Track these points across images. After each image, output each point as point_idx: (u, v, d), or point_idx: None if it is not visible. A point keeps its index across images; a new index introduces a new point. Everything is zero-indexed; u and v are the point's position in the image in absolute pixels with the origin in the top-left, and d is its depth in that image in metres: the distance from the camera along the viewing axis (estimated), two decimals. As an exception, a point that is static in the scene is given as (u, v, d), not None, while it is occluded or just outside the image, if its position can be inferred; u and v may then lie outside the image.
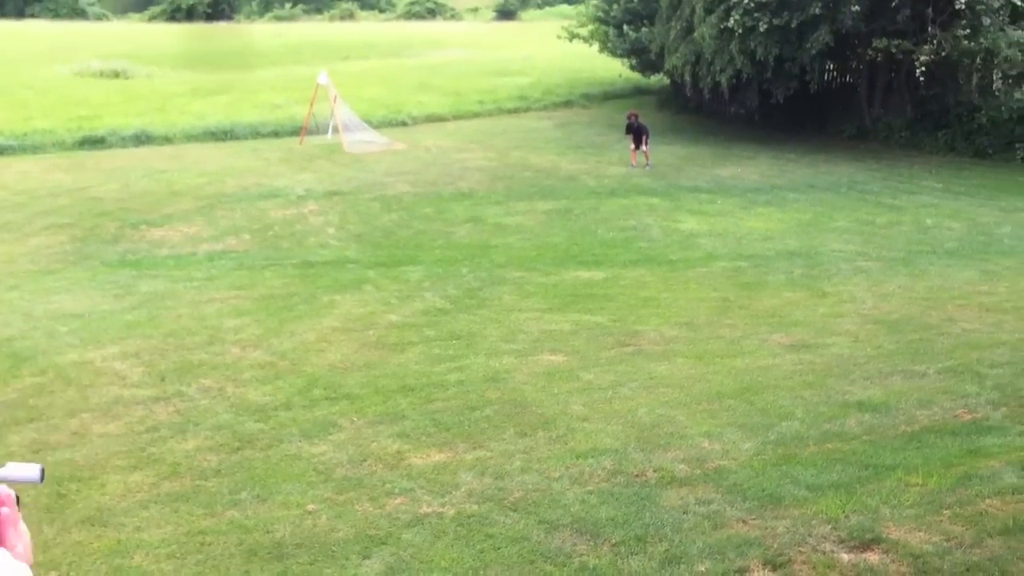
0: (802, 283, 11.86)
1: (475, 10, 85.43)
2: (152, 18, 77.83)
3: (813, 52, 23.18)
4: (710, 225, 15.38)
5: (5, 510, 0.94)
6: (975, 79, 23.28)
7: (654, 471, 6.42)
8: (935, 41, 22.18)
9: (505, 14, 79.90)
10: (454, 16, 78.62)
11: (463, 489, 6.20)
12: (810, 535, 5.45)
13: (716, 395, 7.92)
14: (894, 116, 25.05)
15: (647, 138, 21.12)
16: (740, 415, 7.46)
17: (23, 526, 1.08)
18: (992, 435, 6.99)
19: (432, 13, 78.13)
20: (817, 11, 22.39)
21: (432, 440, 7.05)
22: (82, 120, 24.51)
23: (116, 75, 35.18)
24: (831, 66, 27.16)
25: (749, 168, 21.13)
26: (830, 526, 5.56)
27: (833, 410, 7.53)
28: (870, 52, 23.63)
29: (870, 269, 12.56)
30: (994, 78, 23.78)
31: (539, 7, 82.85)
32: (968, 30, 21.82)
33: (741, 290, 11.56)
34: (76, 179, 18.80)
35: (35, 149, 21.82)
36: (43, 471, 0.83)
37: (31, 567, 1.09)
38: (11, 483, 0.82)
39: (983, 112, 23.26)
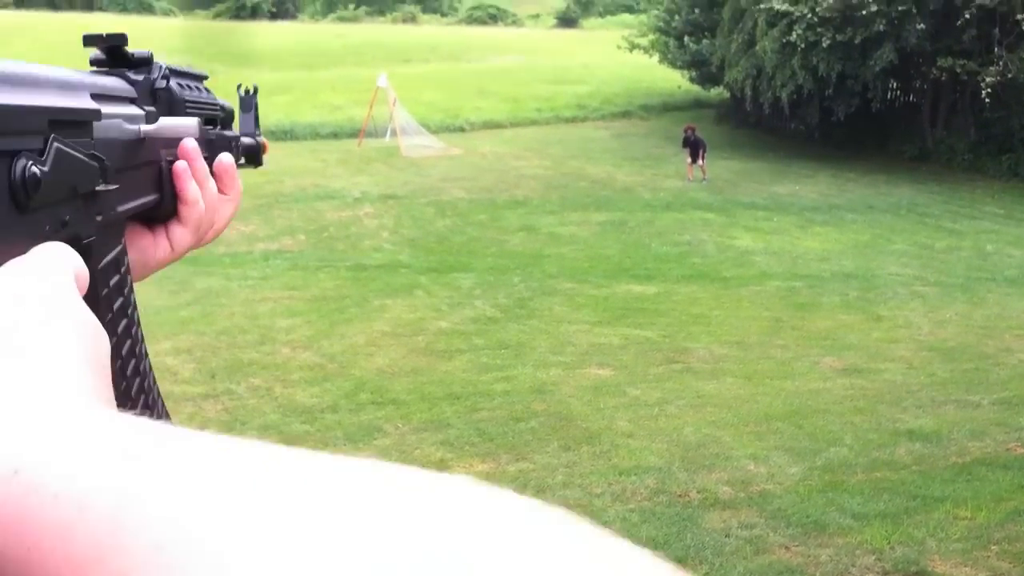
0: (857, 306, 11.71)
1: (536, 16, 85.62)
2: (217, 15, 78.87)
3: (876, 69, 22.98)
4: (765, 243, 15.25)
5: (182, 162, 0.90)
6: (1042, 103, 22.90)
7: (697, 492, 6.37)
8: (1001, 63, 21.87)
9: (566, 21, 79.93)
10: (515, 22, 78.83)
11: (505, 502, 6.19)
12: (854, 565, 5.38)
13: (764, 417, 7.85)
14: (957, 138, 24.69)
15: (704, 152, 21.02)
16: (788, 438, 7.38)
17: (213, 187, 0.96)
18: (1047, 470, 6.85)
19: (494, 18, 78.42)
20: (881, 28, 22.19)
21: (476, 450, 7.05)
22: (144, 117, 24.86)
23: (180, 71, 35.65)
24: (894, 84, 26.90)
25: (807, 186, 20.92)
26: (874, 556, 5.48)
27: (883, 437, 7.42)
28: (934, 71, 23.37)
29: (927, 294, 12.38)
30: (1062, 102, 23.39)
31: (600, 15, 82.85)
32: (1036, 53, 21.47)
33: (794, 310, 11.44)
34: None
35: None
36: (199, 124, 0.84)
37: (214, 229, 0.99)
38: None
39: (1049, 137, 22.88)
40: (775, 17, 23.82)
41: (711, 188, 20.13)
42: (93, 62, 0.85)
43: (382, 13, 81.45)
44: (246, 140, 1.23)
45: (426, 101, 28.54)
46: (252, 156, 1.26)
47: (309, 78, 34.83)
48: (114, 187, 0.68)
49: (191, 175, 0.90)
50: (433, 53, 46.04)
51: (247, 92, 1.29)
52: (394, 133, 23.31)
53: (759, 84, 25.15)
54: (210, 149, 0.98)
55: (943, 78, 23.80)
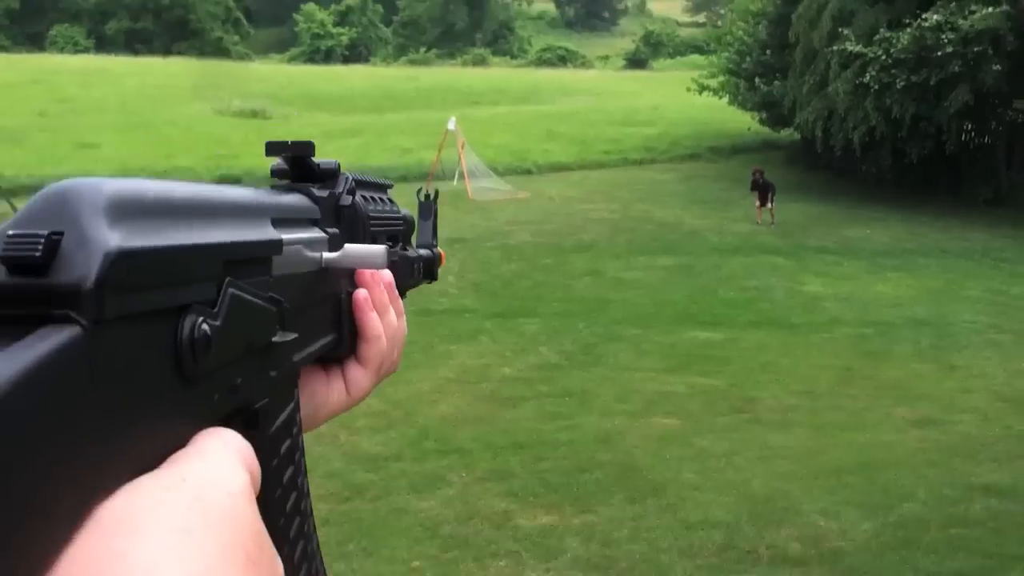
0: (930, 354, 11.46)
1: (606, 58, 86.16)
2: (292, 59, 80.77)
3: (951, 111, 22.67)
4: (835, 288, 15.03)
5: (363, 292, 0.81)
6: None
7: (766, 548, 6.24)
8: (1080, 104, 21.44)
9: (635, 63, 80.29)
10: (584, 64, 79.32)
11: (569, 555, 6.13)
12: (928, 630, 5.22)
13: (835, 470, 7.68)
14: (1034, 181, 24.22)
15: (773, 195, 20.87)
16: (859, 493, 7.21)
17: (394, 317, 0.87)
18: None
19: (563, 60, 79.02)
20: (957, 69, 21.93)
21: (540, 501, 6.99)
22: (220, 159, 25.40)
23: (255, 115, 36.41)
24: (969, 126, 26.46)
25: (879, 230, 20.63)
26: (949, 621, 5.31)
27: (958, 492, 7.22)
28: (1010, 113, 22.98)
29: (1002, 343, 12.07)
30: None
31: (670, 56, 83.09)
32: (1115, 93, 21.02)
33: (865, 359, 11.23)
34: (211, 217, 19.42)
35: (175, 186, 22.63)
36: (387, 254, 0.74)
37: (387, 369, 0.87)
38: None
39: None
40: (848, 58, 23.66)
41: (780, 232, 19.94)
42: (275, 172, 0.79)
43: (452, 56, 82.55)
44: (423, 252, 1.14)
45: (495, 144, 28.74)
46: (428, 270, 1.17)
47: (380, 121, 35.31)
48: (292, 336, 0.61)
49: (372, 307, 0.83)
50: (502, 96, 46.44)
51: (427, 197, 1.22)
52: (462, 176, 23.48)
53: (831, 126, 24.96)
54: (391, 273, 0.91)
55: (1020, 120, 23.40)
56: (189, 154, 25.82)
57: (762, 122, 31.31)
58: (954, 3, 22.48)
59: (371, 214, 0.86)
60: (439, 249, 1.20)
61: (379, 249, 0.73)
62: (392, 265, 0.91)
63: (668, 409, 9.22)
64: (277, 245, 0.60)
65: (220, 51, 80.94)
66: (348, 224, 0.81)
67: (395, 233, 0.98)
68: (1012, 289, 15.36)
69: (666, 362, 10.91)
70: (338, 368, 0.83)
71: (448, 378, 10.06)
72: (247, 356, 0.54)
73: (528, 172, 26.82)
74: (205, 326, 0.46)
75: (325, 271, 0.71)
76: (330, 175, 0.80)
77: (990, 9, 21.58)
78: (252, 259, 0.56)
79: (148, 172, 23.02)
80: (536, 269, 15.83)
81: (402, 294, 0.97)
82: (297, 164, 0.78)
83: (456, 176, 23.91)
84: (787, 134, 31.36)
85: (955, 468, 7.75)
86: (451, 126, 23.36)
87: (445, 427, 8.57)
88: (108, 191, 0.43)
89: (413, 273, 1.06)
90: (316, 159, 0.79)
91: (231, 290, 0.51)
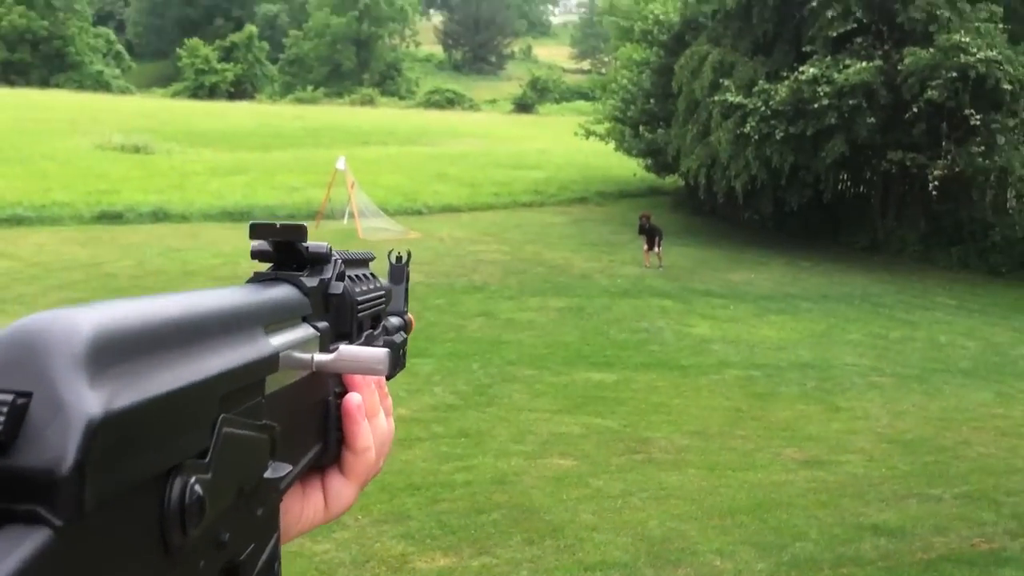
0: (815, 396, 11.75)
1: (493, 101, 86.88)
2: (175, 94, 79.35)
3: (828, 161, 23.44)
4: (723, 331, 15.32)
5: (356, 398, 0.70)
6: (989, 196, 23.47)
7: (664, 589, 6.27)
8: (949, 156, 22.43)
9: (523, 107, 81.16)
10: (472, 107, 79.85)
11: (468, 598, 6.05)
12: (826, 668, 5.28)
13: (728, 510, 7.78)
14: (907, 229, 25.17)
15: (660, 239, 21.23)
16: (753, 533, 7.30)
17: (383, 420, 0.77)
18: (1010, 567, 6.82)
19: (451, 103, 79.40)
20: (833, 121, 22.71)
21: (437, 543, 6.90)
22: (101, 194, 24.72)
23: (137, 150, 35.62)
24: (845, 176, 27.41)
25: (762, 274, 21.15)
26: (846, 659, 5.39)
27: (848, 532, 7.37)
28: (884, 164, 23.86)
29: (884, 385, 12.45)
30: (1008, 196, 24.01)
31: (556, 102, 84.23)
32: (983, 147, 22.03)
33: (754, 400, 11.45)
34: (92, 254, 18.87)
35: (53, 221, 21.96)
36: (392, 359, 0.65)
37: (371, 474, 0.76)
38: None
39: (997, 230, 23.40)
40: (729, 109, 24.31)
41: (667, 275, 20.28)
42: (256, 255, 0.68)
43: (340, 95, 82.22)
44: (395, 320, 1.04)
45: (385, 184, 28.65)
46: None
47: (266, 159, 34.88)
48: (286, 470, 0.53)
49: (364, 414, 0.72)
50: (391, 136, 46.40)
51: (399, 260, 1.12)
52: (352, 215, 23.31)
53: (713, 173, 25.54)
54: None
55: (893, 170, 24.32)
56: (68, 189, 25.06)
57: (647, 168, 31.90)
58: (829, 57, 23.33)
59: (358, 298, 0.78)
60: (409, 315, 1.12)
61: (381, 354, 0.64)
62: None
63: (564, 449, 9.23)
64: (274, 362, 0.52)
65: (100, 84, 79.18)
66: (336, 313, 0.73)
67: (379, 313, 0.90)
68: (891, 333, 15.88)
69: (561, 403, 10.94)
70: (317, 479, 0.73)
71: (341, 419, 9.88)
72: (236, 503, 0.46)
73: (419, 213, 26.79)
74: (198, 487, 0.38)
75: (315, 374, 0.63)
76: (320, 260, 0.71)
77: (863, 64, 22.45)
78: (247, 385, 0.47)
79: (25, 206, 22.27)
80: (428, 309, 15.75)
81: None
82: (286, 249, 0.68)
83: (346, 215, 23.72)
84: (672, 180, 32.03)
85: (844, 508, 7.92)
86: (340, 165, 23.19)
87: (339, 469, 8.40)
88: (87, 332, 0.34)
89: (399, 360, 0.97)
90: (305, 243, 0.70)
91: (225, 430, 0.42)
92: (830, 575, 6.58)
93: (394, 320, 1.04)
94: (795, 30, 25.04)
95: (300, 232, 0.67)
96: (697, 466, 8.92)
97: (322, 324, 0.67)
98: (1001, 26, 22.27)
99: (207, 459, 0.40)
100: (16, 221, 21.55)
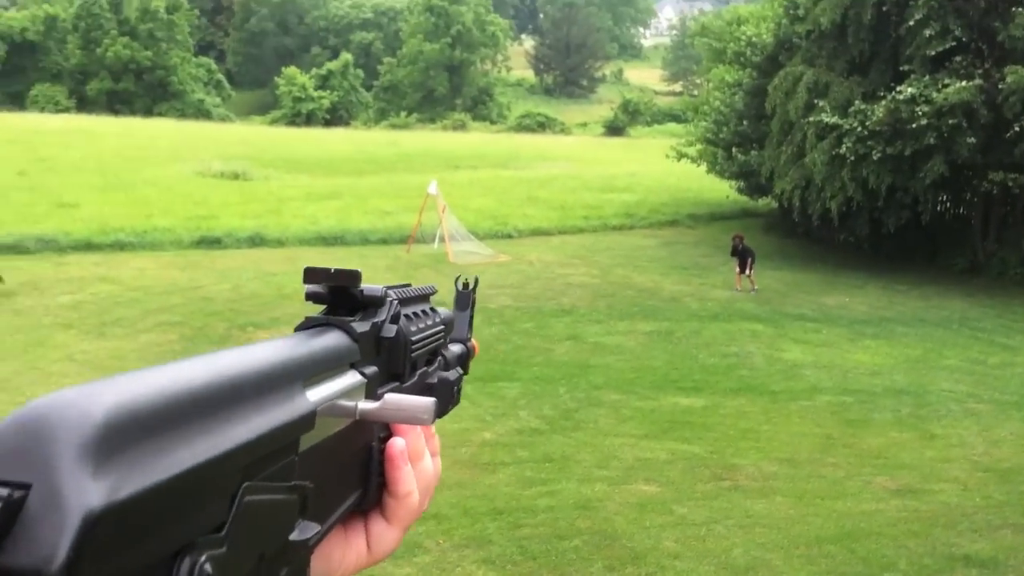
0: (909, 423, 11.46)
1: (584, 125, 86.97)
2: (273, 121, 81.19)
3: (927, 182, 22.92)
4: (815, 356, 15.05)
5: (400, 444, 0.70)
6: (1092, 216, 22.68)
7: (747, 619, 6.17)
8: (1053, 177, 21.73)
9: (614, 130, 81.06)
10: (563, 130, 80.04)
11: (548, 625, 6.03)
12: None
13: (815, 539, 7.63)
14: (1010, 251, 24.44)
15: (753, 261, 20.97)
16: (840, 563, 7.15)
17: (429, 463, 0.76)
18: (1113, 603, 6.57)
19: (542, 127, 79.72)
20: (932, 141, 22.20)
21: (518, 569, 6.90)
22: (200, 220, 25.36)
23: (236, 176, 36.44)
24: (944, 197, 26.77)
25: (857, 298, 20.74)
26: None
27: (939, 563, 7.17)
28: (986, 184, 23.25)
29: (981, 412, 12.09)
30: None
31: (647, 124, 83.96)
32: (1086, 167, 21.34)
33: (845, 427, 11.21)
34: (190, 278, 19.36)
35: (153, 246, 22.59)
36: (440, 406, 0.65)
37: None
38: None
39: (1102, 251, 22.57)
40: (824, 130, 23.94)
41: (759, 299, 20.02)
42: (310, 296, 0.67)
43: (432, 121, 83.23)
44: (456, 348, 1.01)
45: (475, 208, 28.85)
46: (461, 366, 1.04)
47: (360, 184, 35.41)
48: (314, 531, 0.50)
49: (407, 459, 0.71)
50: (482, 160, 46.73)
51: (465, 287, 1.10)
52: (443, 239, 23.52)
53: (808, 195, 25.16)
54: None
55: (994, 191, 23.68)
56: (168, 215, 25.77)
57: (740, 191, 31.57)
58: (927, 76, 22.85)
59: (413, 337, 0.76)
60: (473, 341, 1.09)
61: (426, 403, 0.62)
62: (430, 388, 0.83)
63: (648, 475, 9.16)
64: (309, 420, 0.49)
65: (201, 113, 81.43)
66: (387, 355, 0.71)
67: (436, 348, 0.87)
68: (990, 359, 15.42)
69: (646, 428, 10.86)
70: (360, 522, 0.71)
71: (426, 442, 9.94)
72: (256, 569, 0.43)
73: (508, 236, 26.90)
74: (208, 566, 0.36)
75: (359, 422, 0.61)
76: (375, 303, 0.69)
77: (963, 83, 21.93)
78: (277, 448, 0.45)
79: (128, 232, 22.96)
80: (516, 333, 15.79)
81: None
82: (339, 294, 0.67)
83: (437, 239, 23.94)
84: (765, 203, 31.63)
85: (936, 538, 7.71)
86: (432, 190, 23.43)
87: (423, 492, 8.45)
88: (98, 417, 0.33)
89: (453, 396, 0.93)
90: (361, 286, 0.68)
91: (247, 499, 0.40)
92: (920, 608, 6.40)
93: (455, 348, 1.02)
94: (892, 49, 24.56)
95: (354, 278, 0.66)
96: (785, 494, 8.77)
97: (371, 370, 0.65)
98: (1105, 42, 21.57)
99: (223, 532, 0.38)
100: (119, 246, 22.21)
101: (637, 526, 7.82)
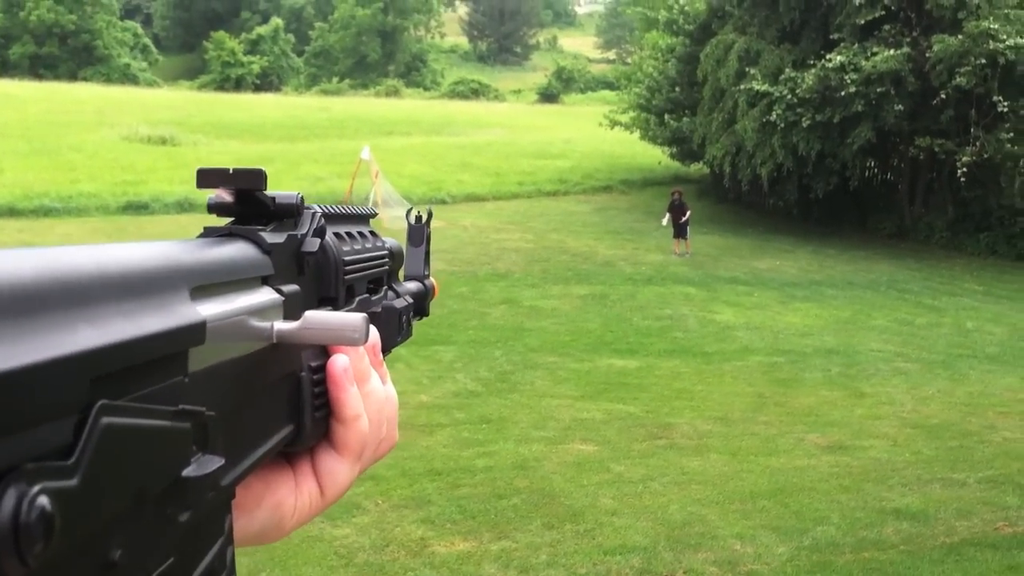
0: (839, 382, 11.67)
1: (518, 92, 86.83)
2: (202, 87, 79.70)
3: (855, 148, 23.27)
4: (747, 318, 15.25)
5: (342, 361, 0.63)
6: (1018, 182, 23.21)
7: (684, 572, 6.25)
8: (978, 143, 22.19)
9: (548, 97, 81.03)
10: (497, 97, 79.81)
11: (487, 581, 6.05)
12: (845, 650, 5.25)
13: (750, 495, 7.74)
14: (935, 216, 24.96)
15: (687, 220, 21.12)
16: (774, 517, 7.27)
17: (378, 386, 0.70)
18: (1035, 551, 6.76)
19: (476, 93, 79.36)
20: (860, 108, 22.53)
21: (457, 528, 6.91)
22: (127, 185, 24.87)
23: (163, 141, 35.76)
24: (872, 163, 27.23)
25: (787, 261, 21.04)
26: (866, 641, 5.35)
27: (870, 516, 7.32)
28: (912, 150, 23.68)
29: (909, 371, 12.35)
30: (1038, 182, 23.72)
31: (581, 92, 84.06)
32: (1012, 134, 21.82)
33: (777, 386, 11.38)
34: (117, 243, 18.97)
35: (79, 212, 22.12)
36: (367, 325, 0.55)
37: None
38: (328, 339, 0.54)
39: (1026, 216, 23.14)
40: (755, 97, 24.17)
41: (692, 263, 20.21)
42: (212, 208, 0.60)
43: (365, 87, 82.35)
44: (411, 286, 0.96)
45: (409, 174, 28.68)
46: (419, 307, 0.97)
47: (292, 150, 34.98)
48: (215, 465, 0.43)
49: (352, 379, 0.64)
50: (416, 127, 46.41)
51: (418, 220, 1.03)
52: (376, 204, 23.34)
53: (739, 161, 25.42)
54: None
55: (921, 157, 24.16)
56: (94, 180, 25.22)
57: (672, 156, 31.79)
58: (857, 45, 23.14)
59: (346, 257, 0.70)
60: (432, 279, 1.03)
61: (355, 320, 0.55)
62: (374, 318, 0.76)
63: (585, 435, 9.22)
64: (197, 331, 0.42)
65: (127, 77, 79.54)
66: (315, 275, 0.65)
67: (379, 275, 0.82)
68: (917, 319, 15.75)
69: (583, 389, 10.92)
70: (307, 461, 0.65)
71: (363, 405, 9.90)
72: (133, 512, 0.37)
73: (443, 202, 26.79)
74: (43, 499, 0.29)
75: (276, 348, 0.54)
76: (289, 212, 0.61)
77: (891, 52, 22.26)
78: (151, 362, 0.38)
79: (52, 197, 22.44)
80: (451, 297, 15.76)
81: (386, 353, 0.80)
82: (247, 200, 0.59)
83: (370, 204, 23.74)
84: (697, 168, 31.90)
85: (867, 492, 7.86)
86: (365, 155, 23.23)
87: (360, 454, 8.42)
88: None
89: (401, 327, 0.86)
90: (271, 192, 0.60)
91: (105, 420, 0.33)
92: (851, 559, 6.53)
93: (411, 285, 0.96)
94: (822, 18, 24.84)
95: (257, 177, 0.58)
96: (719, 451, 8.89)
97: (290, 288, 0.59)
98: (1031, 12, 22.00)
99: (71, 459, 0.32)
100: (43, 212, 21.73)
101: (575, 484, 7.87)
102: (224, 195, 0.59)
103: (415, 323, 0.98)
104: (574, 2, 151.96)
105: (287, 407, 0.59)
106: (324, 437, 0.65)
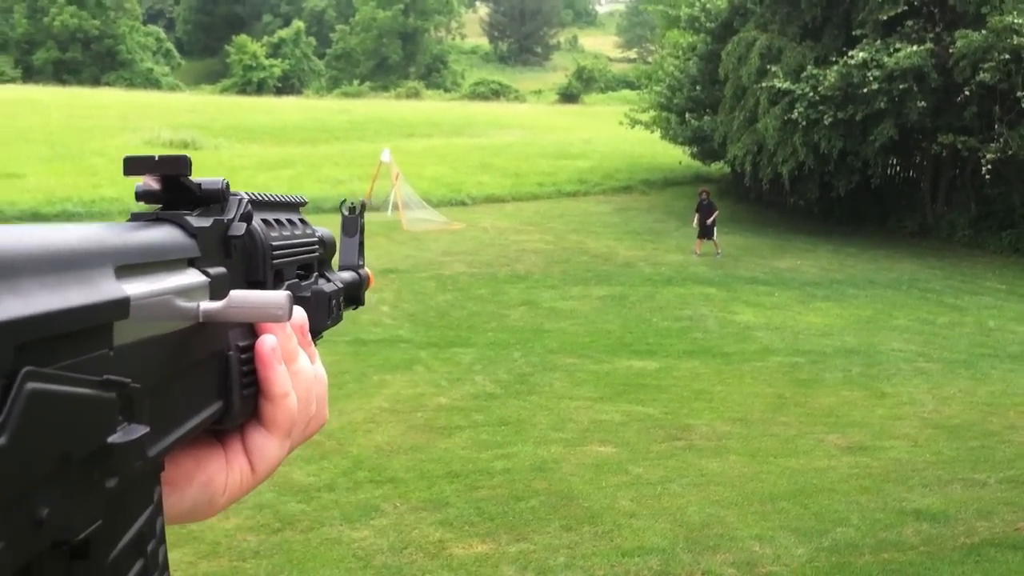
0: (860, 382, 11.61)
1: (538, 92, 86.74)
2: (224, 90, 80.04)
3: (877, 145, 23.14)
4: (767, 318, 15.19)
5: (270, 340, 0.66)
6: (1042, 179, 23.04)
7: (702, 574, 6.24)
8: (1002, 139, 22.01)
9: (568, 97, 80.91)
10: (517, 98, 79.79)
11: (504, 584, 6.06)
12: (863, 653, 5.23)
13: (769, 496, 7.72)
14: (958, 214, 24.78)
15: (715, 221, 21.08)
16: (793, 518, 7.24)
17: (307, 365, 0.72)
18: (1056, 552, 6.71)
19: (496, 94, 79.40)
20: (882, 105, 22.39)
21: (475, 530, 6.92)
22: (149, 189, 24.99)
23: (185, 145, 35.96)
24: (894, 160, 27.09)
25: (808, 261, 20.94)
26: (884, 644, 5.33)
27: (890, 517, 7.29)
28: (935, 147, 23.51)
29: (930, 371, 12.27)
30: (1062, 179, 23.53)
31: (602, 91, 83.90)
32: (1035, 130, 21.62)
33: (797, 387, 11.33)
34: (139, 246, 19.11)
35: (102, 217, 22.28)
36: (291, 303, 0.58)
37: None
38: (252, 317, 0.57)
39: (1049, 213, 22.94)
40: (777, 95, 24.06)
41: (712, 263, 20.15)
42: (140, 195, 0.62)
43: (386, 89, 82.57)
44: (345, 275, 0.99)
45: (429, 176, 28.74)
46: (352, 296, 1.00)
47: (312, 153, 35.11)
48: (141, 431, 0.45)
49: (279, 357, 0.66)
50: (436, 128, 46.49)
51: (352, 211, 1.06)
52: (396, 207, 23.41)
53: (760, 160, 25.32)
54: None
55: (943, 154, 23.98)
56: (116, 185, 25.36)
57: (693, 156, 31.72)
58: (879, 41, 23.01)
59: (274, 243, 0.72)
60: (366, 269, 1.06)
61: (279, 297, 0.58)
62: (303, 302, 0.79)
63: (604, 437, 9.21)
64: (120, 306, 0.44)
65: (150, 82, 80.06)
66: (242, 259, 0.67)
67: (309, 261, 0.84)
68: (938, 319, 15.64)
69: (601, 391, 10.91)
70: (237, 440, 0.67)
71: (382, 407, 9.94)
72: (60, 474, 0.38)
73: (462, 204, 26.84)
74: None
75: (203, 327, 0.56)
76: (215, 197, 0.64)
77: (914, 48, 22.11)
78: (75, 333, 0.40)
79: (75, 202, 22.63)
80: (471, 299, 15.78)
81: (316, 336, 0.82)
82: (173, 187, 0.61)
83: (390, 207, 23.84)
84: (717, 168, 31.81)
85: (887, 493, 7.83)
86: (385, 157, 23.30)
87: (379, 456, 8.46)
88: None
89: (331, 311, 0.89)
90: (197, 178, 0.63)
91: (30, 386, 0.35)
92: (871, 560, 6.50)
93: (344, 274, 0.99)
94: (844, 14, 24.70)
95: (181, 164, 0.60)
96: (738, 453, 8.86)
97: (217, 270, 0.61)
98: (1055, 6, 21.81)
99: None
100: (66, 217, 21.91)
101: (593, 486, 7.87)
102: (151, 182, 0.61)
103: (350, 312, 1.02)
104: (595, 1, 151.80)
105: (215, 384, 0.61)
106: (254, 415, 0.67)
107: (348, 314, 1.02)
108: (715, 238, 21.15)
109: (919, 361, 12.76)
